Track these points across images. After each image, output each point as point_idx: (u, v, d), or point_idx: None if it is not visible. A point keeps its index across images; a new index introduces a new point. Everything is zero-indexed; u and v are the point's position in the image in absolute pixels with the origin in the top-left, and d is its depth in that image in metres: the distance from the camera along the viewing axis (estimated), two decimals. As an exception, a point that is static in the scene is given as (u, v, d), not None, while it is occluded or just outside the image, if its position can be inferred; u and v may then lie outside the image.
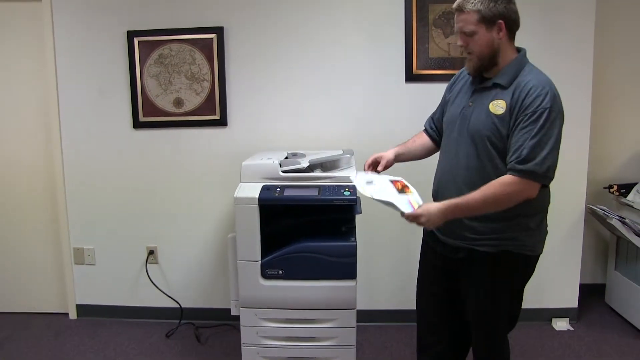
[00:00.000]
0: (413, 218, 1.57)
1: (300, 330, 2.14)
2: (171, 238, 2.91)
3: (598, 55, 2.69)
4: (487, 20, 1.54)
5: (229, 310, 2.27)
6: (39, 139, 2.93)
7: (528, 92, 1.51)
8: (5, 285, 3.06)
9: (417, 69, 2.65)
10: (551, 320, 2.85)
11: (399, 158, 1.92)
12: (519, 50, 1.65)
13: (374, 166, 1.90)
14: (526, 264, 1.72)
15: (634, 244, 2.63)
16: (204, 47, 2.71)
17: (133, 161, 2.86)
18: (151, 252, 2.92)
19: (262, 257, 2.09)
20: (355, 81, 2.72)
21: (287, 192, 2.10)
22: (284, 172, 2.14)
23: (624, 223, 2.63)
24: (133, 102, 2.79)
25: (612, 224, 2.66)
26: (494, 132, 1.57)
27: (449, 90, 1.85)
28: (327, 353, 2.15)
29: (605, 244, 3.09)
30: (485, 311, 1.74)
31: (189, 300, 2.93)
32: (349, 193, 2.06)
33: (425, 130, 1.96)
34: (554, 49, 2.61)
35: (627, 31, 2.93)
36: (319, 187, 2.11)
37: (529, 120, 1.50)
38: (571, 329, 2.78)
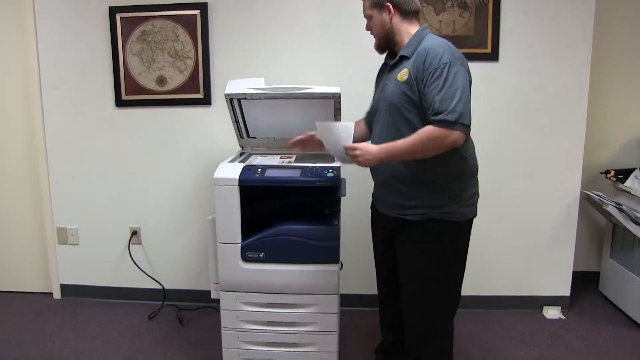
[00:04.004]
0: (351, 150, 1.70)
1: (281, 315, 2.08)
2: (154, 219, 2.86)
3: (597, 37, 2.60)
4: (377, 4, 1.76)
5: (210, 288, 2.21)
6: (20, 118, 2.86)
7: (427, 54, 1.63)
8: (-12, 265, 3.02)
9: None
10: (542, 309, 2.79)
11: None
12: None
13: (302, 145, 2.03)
14: (455, 232, 1.77)
15: (630, 232, 2.56)
16: (188, 23, 2.62)
17: (116, 140, 2.80)
18: (134, 233, 2.87)
19: (243, 240, 2.02)
20: (345, 59, 2.63)
21: (269, 173, 2.03)
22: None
23: (620, 210, 2.55)
24: (115, 80, 2.72)
25: (608, 211, 2.58)
26: (402, 97, 1.69)
27: (376, 80, 1.98)
28: (309, 339, 2.09)
29: (601, 230, 3.02)
30: (414, 282, 1.81)
31: (172, 282, 2.89)
32: (332, 175, 1.99)
33: (365, 119, 2.08)
34: (552, 31, 2.54)
35: (626, 14, 2.82)
36: (301, 168, 2.04)
37: (433, 78, 1.61)
38: (563, 317, 2.73)
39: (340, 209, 2.16)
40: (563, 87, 2.58)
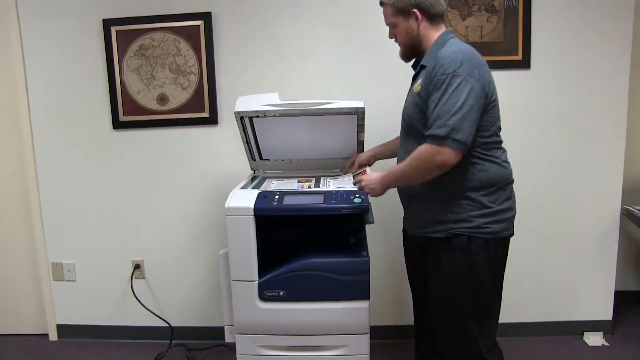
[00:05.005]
0: (357, 182, 1.76)
1: (305, 358, 1.86)
2: (159, 250, 2.63)
3: (636, 42, 2.41)
4: (402, 11, 1.62)
5: (224, 328, 1.99)
6: (8, 143, 2.64)
7: (436, 62, 1.51)
8: (-22, 305, 2.78)
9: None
10: (583, 335, 2.57)
11: (378, 156, 2.06)
12: None
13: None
14: (485, 249, 1.59)
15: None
16: (190, 35, 2.42)
17: (114, 166, 2.58)
18: (137, 266, 2.64)
19: (260, 277, 1.81)
20: (362, 70, 2.42)
21: (288, 200, 1.81)
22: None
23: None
24: (112, 100, 2.50)
25: (651, 227, 2.36)
26: (415, 110, 1.60)
27: None
28: (337, 384, 1.87)
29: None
30: (440, 302, 1.65)
31: (180, 319, 2.66)
32: (359, 200, 1.77)
33: None
34: (587, 35, 2.35)
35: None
36: (324, 193, 1.82)
37: (434, 88, 1.50)
38: (606, 344, 2.50)
39: (366, 237, 1.96)
40: (600, 95, 2.39)
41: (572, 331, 2.57)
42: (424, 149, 1.50)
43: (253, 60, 2.44)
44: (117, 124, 2.52)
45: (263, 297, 1.82)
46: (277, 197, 1.81)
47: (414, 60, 1.73)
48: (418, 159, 1.51)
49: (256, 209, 1.76)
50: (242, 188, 1.95)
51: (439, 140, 1.46)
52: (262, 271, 1.81)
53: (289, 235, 1.99)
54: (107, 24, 2.43)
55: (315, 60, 2.43)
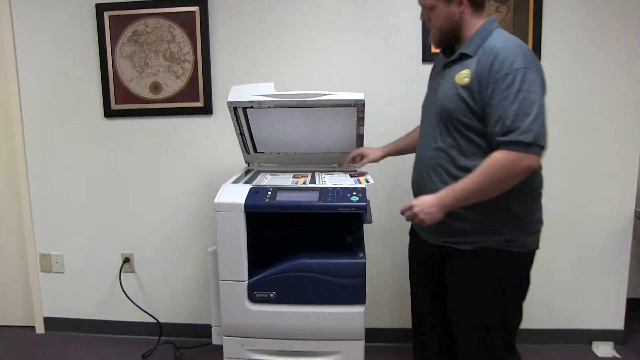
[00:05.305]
0: (408, 210, 1.48)
1: (296, 364, 1.76)
2: (149, 244, 2.55)
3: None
4: None
5: (211, 329, 1.91)
6: (-3, 131, 2.56)
7: (496, 55, 1.37)
8: (-36, 295, 2.71)
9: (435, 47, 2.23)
10: (591, 344, 2.45)
11: (389, 154, 1.93)
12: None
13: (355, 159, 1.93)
14: (515, 264, 1.51)
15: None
16: (185, 21, 2.31)
17: (105, 155, 2.50)
18: (127, 260, 2.55)
19: (249, 277, 1.70)
20: (364, 61, 2.31)
21: (280, 197, 1.70)
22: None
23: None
24: (104, 88, 2.42)
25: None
26: (459, 104, 1.44)
27: (430, 75, 1.74)
28: (329, 392, 1.77)
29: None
30: (465, 316, 1.56)
31: (170, 315, 2.58)
32: (357, 198, 1.66)
33: None
34: (602, 27, 2.22)
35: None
36: (319, 190, 1.71)
37: (503, 85, 1.35)
38: (617, 355, 2.37)
39: (363, 236, 1.85)
40: (616, 93, 2.25)
41: (580, 339, 2.45)
42: (504, 156, 1.34)
43: (250, 49, 2.33)
44: (109, 113, 2.43)
45: (253, 299, 1.72)
46: (269, 193, 1.71)
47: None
48: (496, 168, 1.36)
49: (247, 206, 1.66)
50: (234, 182, 1.84)
51: (524, 146, 1.32)
52: (252, 271, 1.71)
53: (282, 232, 1.88)
54: (100, 8, 2.35)
55: (316, 49, 2.32)
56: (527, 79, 1.33)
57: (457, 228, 1.51)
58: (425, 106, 1.66)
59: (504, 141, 1.34)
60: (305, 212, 1.68)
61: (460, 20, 1.49)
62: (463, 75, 1.45)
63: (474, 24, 1.49)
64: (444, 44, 1.57)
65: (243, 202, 1.66)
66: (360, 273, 1.68)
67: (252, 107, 1.88)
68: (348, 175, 1.91)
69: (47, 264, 2.61)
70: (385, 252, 2.41)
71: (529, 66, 1.34)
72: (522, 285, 1.57)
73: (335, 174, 1.96)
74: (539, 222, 1.54)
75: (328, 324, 1.71)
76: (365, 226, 1.84)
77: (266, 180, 1.90)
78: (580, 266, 2.42)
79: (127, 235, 2.55)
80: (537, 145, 1.33)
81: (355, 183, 1.79)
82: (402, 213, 1.51)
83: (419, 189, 1.62)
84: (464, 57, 1.47)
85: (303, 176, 1.94)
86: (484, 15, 1.51)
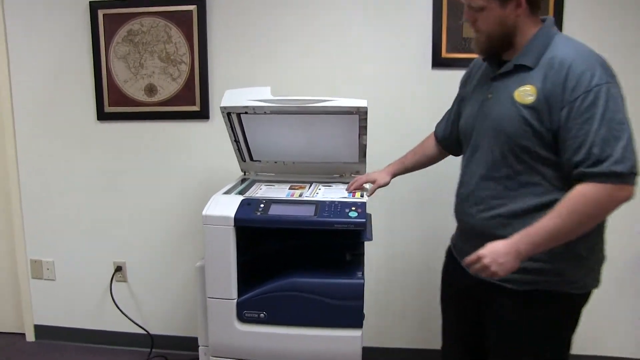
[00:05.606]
0: (476, 261, 1.23)
1: (288, 389, 1.65)
2: (142, 252, 2.46)
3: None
4: None
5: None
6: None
7: (569, 69, 1.19)
8: (-47, 301, 2.65)
9: (447, 52, 2.14)
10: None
11: (396, 174, 1.75)
12: (543, 20, 1.32)
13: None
14: (573, 307, 1.34)
15: None
16: (182, 21, 2.22)
17: (98, 160, 2.42)
18: (119, 268, 2.47)
19: (239, 295, 1.60)
20: (370, 67, 2.20)
21: (274, 210, 1.59)
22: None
23: None
24: (97, 89, 2.34)
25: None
26: (522, 127, 1.25)
27: (463, 84, 1.56)
28: (322, 421, 1.65)
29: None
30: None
31: (162, 326, 2.49)
32: (356, 214, 1.55)
33: (436, 137, 1.70)
34: (621, 23, 2.09)
35: None
36: (315, 203, 1.60)
37: (584, 106, 1.16)
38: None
39: (364, 253, 1.74)
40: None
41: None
42: (598, 190, 1.16)
43: (250, 51, 2.24)
44: (102, 115, 2.36)
45: (242, 318, 1.62)
46: (262, 205, 1.60)
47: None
48: (588, 204, 1.17)
49: (237, 219, 1.56)
50: (226, 193, 1.74)
51: (621, 178, 1.15)
52: (242, 289, 1.61)
53: (275, 248, 1.77)
54: (95, 6, 2.27)
55: (318, 53, 2.21)
56: (611, 96, 1.16)
57: None
58: (469, 125, 1.43)
59: (594, 173, 1.16)
60: (299, 227, 1.58)
61: (515, 25, 1.28)
62: (525, 93, 1.25)
63: (530, 28, 1.28)
64: (491, 52, 1.36)
65: (233, 215, 1.56)
66: (357, 294, 1.57)
67: (246, 112, 1.77)
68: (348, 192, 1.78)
69: (38, 270, 2.53)
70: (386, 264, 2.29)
71: (610, 80, 1.17)
72: (574, 328, 1.38)
73: (334, 186, 1.84)
74: (604, 259, 1.36)
75: (322, 348, 1.61)
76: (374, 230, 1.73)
77: (260, 191, 1.79)
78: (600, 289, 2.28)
79: (120, 243, 2.46)
80: (633, 174, 1.16)
81: (350, 197, 1.67)
82: (469, 265, 1.27)
83: (462, 221, 1.47)
84: (521, 68, 1.28)
85: (300, 187, 1.83)
86: (538, 17, 1.31)
